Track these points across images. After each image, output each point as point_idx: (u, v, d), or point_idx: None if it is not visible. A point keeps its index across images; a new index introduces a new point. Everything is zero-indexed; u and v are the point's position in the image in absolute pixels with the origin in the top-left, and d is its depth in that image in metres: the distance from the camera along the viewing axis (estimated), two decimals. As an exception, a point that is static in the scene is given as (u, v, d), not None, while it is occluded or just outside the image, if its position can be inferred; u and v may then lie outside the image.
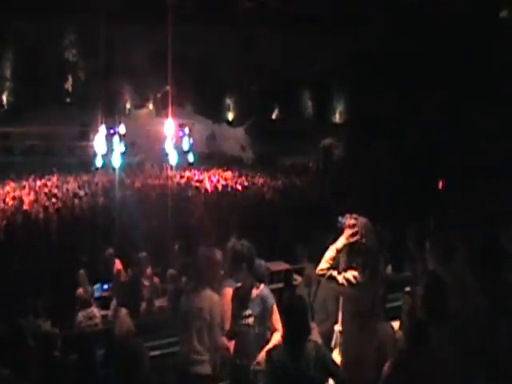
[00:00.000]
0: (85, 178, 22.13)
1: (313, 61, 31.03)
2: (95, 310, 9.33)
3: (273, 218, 14.79)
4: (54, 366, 5.71)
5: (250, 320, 5.59)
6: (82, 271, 10.48)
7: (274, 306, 5.59)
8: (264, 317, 5.56)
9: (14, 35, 29.67)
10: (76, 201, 17.08)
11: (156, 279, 10.59)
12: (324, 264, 5.48)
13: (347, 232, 5.50)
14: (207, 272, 5.79)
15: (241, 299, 5.62)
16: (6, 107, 31.02)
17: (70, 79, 33.42)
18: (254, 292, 5.62)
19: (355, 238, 5.49)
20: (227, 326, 5.68)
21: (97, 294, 10.65)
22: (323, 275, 5.49)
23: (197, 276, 5.82)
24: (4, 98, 31.34)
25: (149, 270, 10.62)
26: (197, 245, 9.37)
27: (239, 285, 5.70)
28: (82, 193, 18.63)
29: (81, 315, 9.22)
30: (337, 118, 34.95)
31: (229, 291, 5.83)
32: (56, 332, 6.71)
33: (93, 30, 28.34)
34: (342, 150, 29.41)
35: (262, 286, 5.66)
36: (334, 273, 5.46)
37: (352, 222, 5.50)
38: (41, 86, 30.25)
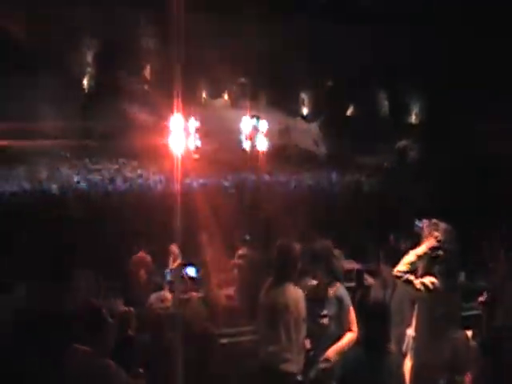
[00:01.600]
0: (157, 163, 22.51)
1: (390, 60, 30.58)
2: (167, 293, 9.49)
3: (344, 215, 14.70)
4: (128, 344, 5.82)
5: (325, 320, 5.55)
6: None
7: (350, 307, 5.52)
8: (340, 317, 5.51)
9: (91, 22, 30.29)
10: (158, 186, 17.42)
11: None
12: (402, 267, 5.39)
13: (430, 241, 5.40)
14: (288, 267, 5.56)
15: (317, 298, 5.57)
16: (86, 91, 31.78)
17: (148, 67, 33.94)
18: (330, 291, 5.58)
19: (437, 245, 5.40)
20: None
21: (168, 278, 10.83)
22: (400, 278, 5.40)
23: (278, 271, 5.58)
24: (85, 81, 32.09)
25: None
26: (272, 239, 9.41)
27: (315, 283, 5.66)
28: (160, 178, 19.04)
29: (153, 297, 9.40)
30: (413, 118, 34.38)
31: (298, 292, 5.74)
32: (131, 311, 6.83)
33: (170, 19, 28.73)
34: (417, 152, 28.96)
35: (338, 285, 5.60)
36: (412, 277, 5.36)
37: (435, 233, 5.41)
38: (120, 72, 30.82)
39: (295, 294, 5.44)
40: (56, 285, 8.26)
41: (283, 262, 5.55)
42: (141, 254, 10.60)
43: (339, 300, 5.52)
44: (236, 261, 10.47)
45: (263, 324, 5.56)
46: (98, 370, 4.29)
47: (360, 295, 7.24)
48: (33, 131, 26.67)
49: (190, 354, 6.09)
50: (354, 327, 5.46)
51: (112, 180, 18.30)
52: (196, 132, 23.93)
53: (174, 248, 11.14)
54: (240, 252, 10.36)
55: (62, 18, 27.76)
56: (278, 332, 5.34)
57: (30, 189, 17.35)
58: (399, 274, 5.37)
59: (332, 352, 5.39)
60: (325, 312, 5.57)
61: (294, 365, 5.35)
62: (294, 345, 5.37)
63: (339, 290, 5.57)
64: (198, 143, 22.40)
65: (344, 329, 5.47)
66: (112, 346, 4.52)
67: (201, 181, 18.36)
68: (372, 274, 9.70)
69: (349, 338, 5.40)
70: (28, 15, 27.44)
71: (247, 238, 11.91)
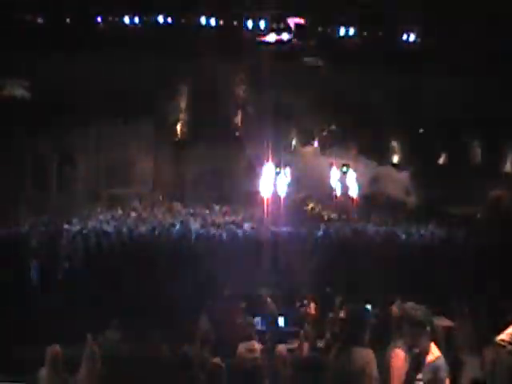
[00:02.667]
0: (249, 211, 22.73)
1: (484, 107, 29.95)
2: (256, 344, 9.42)
3: (433, 268, 14.33)
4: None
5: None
6: (243, 304, 10.71)
7: (447, 380, 5.34)
8: None
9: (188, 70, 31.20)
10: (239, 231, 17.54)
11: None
12: (506, 336, 5.18)
13: None
14: (357, 333, 5.49)
15: (415, 364, 5.42)
16: (179, 137, 32.59)
17: (240, 114, 34.52)
18: (428, 358, 5.42)
19: None
20: None
21: (259, 327, 10.82)
22: (503, 346, 5.18)
23: (349, 334, 5.53)
24: (178, 128, 32.93)
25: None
26: (350, 299, 9.29)
27: (417, 350, 5.50)
28: (245, 225, 19.14)
29: (241, 347, 9.36)
30: (508, 167, 33.31)
31: (399, 353, 5.59)
32: (223, 366, 6.84)
33: (261, 68, 29.43)
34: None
35: (437, 353, 5.42)
36: None
37: None
38: (212, 119, 31.48)
39: (367, 356, 5.33)
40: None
41: (355, 326, 5.46)
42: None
43: (435, 369, 5.35)
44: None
45: None
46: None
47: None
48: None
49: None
50: None
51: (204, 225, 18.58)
52: (285, 179, 24.07)
53: (267, 297, 11.19)
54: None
55: (156, 67, 28.73)
56: None
57: (124, 231, 17.78)
58: (502, 343, 5.15)
59: None
60: (419, 376, 5.43)
61: None
62: None
63: (439, 359, 5.40)
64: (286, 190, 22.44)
65: None
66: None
67: (289, 229, 18.34)
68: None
69: None
70: (122, 64, 28.54)
71: (328, 290, 11.84)
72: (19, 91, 29.39)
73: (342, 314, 6.11)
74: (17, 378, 7.73)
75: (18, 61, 27.58)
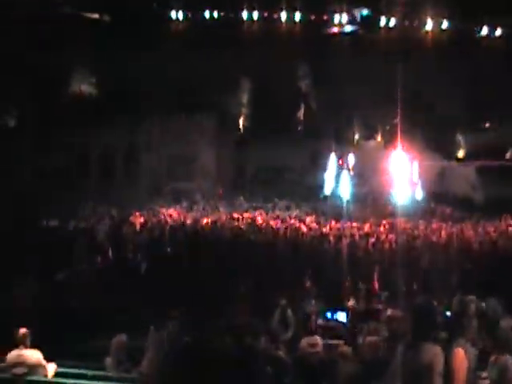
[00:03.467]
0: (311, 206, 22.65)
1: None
2: (318, 339, 9.44)
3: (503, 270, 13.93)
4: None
5: (485, 383, 5.27)
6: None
7: None
8: None
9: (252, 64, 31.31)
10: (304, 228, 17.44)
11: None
12: None
13: None
14: (424, 327, 5.35)
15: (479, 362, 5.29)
16: (241, 132, 32.75)
17: (302, 108, 34.45)
18: (494, 358, 5.29)
19: None
20: None
21: (319, 322, 10.81)
22: None
23: (416, 330, 5.37)
24: (240, 122, 33.09)
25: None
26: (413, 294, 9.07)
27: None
28: (308, 220, 19.04)
29: (304, 342, 9.37)
30: None
31: (460, 352, 5.46)
32: (288, 360, 6.84)
33: (326, 62, 29.33)
34: None
35: (505, 353, 5.26)
36: None
37: None
38: (274, 113, 31.49)
39: (434, 353, 5.21)
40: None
41: (421, 321, 5.35)
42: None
43: (502, 369, 5.20)
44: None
45: None
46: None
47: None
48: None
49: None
50: None
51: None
52: (349, 174, 23.90)
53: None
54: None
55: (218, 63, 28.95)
56: None
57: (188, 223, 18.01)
58: None
59: None
60: (484, 374, 5.32)
61: None
62: None
63: (504, 358, 5.24)
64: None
65: None
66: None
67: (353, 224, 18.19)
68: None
69: None
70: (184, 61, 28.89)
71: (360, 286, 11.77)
72: (86, 87, 30.11)
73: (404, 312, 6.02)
74: (85, 365, 7.94)
75: (86, 58, 28.29)
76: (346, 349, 8.18)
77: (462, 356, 5.36)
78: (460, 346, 5.48)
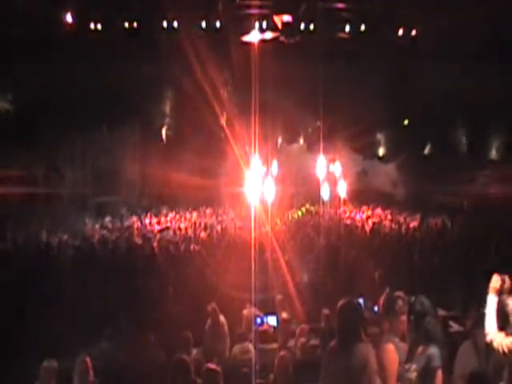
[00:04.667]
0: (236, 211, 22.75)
1: (467, 94, 30.05)
2: (250, 345, 9.43)
3: (426, 261, 14.35)
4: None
5: (414, 375, 5.43)
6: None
7: (439, 370, 5.36)
8: (426, 377, 5.37)
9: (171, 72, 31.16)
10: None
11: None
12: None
13: None
14: (352, 327, 5.46)
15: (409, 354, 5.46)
16: (165, 142, 32.57)
17: (225, 114, 34.51)
18: (421, 349, 5.46)
19: None
20: (391, 383, 5.47)
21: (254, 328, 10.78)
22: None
23: (344, 331, 5.48)
24: (164, 132, 32.92)
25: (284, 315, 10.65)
26: (346, 292, 9.23)
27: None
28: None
29: (236, 349, 9.38)
30: (493, 154, 33.47)
31: (390, 348, 5.60)
32: (219, 370, 6.84)
33: (246, 68, 29.44)
34: (499, 191, 28.12)
35: (431, 345, 5.45)
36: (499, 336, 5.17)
37: None
38: (197, 120, 31.43)
39: (366, 351, 5.32)
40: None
41: (348, 321, 5.44)
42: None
43: (428, 359, 5.38)
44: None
45: None
46: None
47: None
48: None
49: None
50: None
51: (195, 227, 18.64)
52: (272, 178, 24.03)
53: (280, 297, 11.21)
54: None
55: (140, 72, 28.69)
56: None
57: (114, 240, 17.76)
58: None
59: None
60: (413, 366, 5.47)
61: None
62: None
63: (430, 349, 5.43)
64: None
65: None
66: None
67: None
68: (456, 321, 9.43)
69: None
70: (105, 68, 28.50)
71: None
72: (2, 104, 29.28)
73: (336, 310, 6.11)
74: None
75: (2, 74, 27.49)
76: (284, 352, 8.23)
77: (392, 351, 5.49)
78: (389, 341, 5.61)
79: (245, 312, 10.57)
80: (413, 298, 5.83)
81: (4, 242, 17.42)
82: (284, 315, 10.53)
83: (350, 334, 5.34)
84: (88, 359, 7.79)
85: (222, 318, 10.11)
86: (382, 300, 6.12)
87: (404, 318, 5.86)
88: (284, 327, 10.40)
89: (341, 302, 5.56)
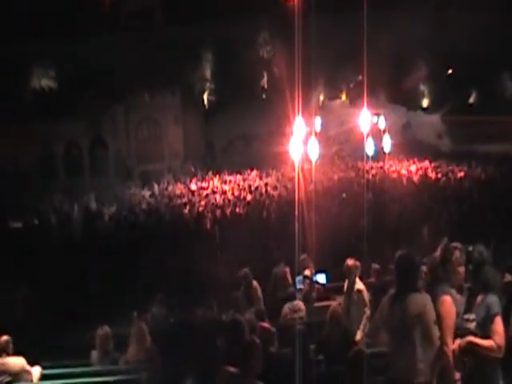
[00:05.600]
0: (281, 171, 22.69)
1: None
2: (300, 303, 9.38)
3: (473, 214, 14.09)
4: (272, 362, 5.83)
5: (472, 325, 5.39)
6: (305, 255, 10.66)
7: (498, 317, 5.29)
8: (486, 324, 5.32)
9: (211, 37, 31.01)
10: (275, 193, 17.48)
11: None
12: None
13: None
14: (411, 276, 5.40)
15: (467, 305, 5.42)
16: (206, 106, 32.60)
17: (265, 76, 34.31)
18: (480, 298, 5.40)
19: None
20: (447, 335, 5.43)
21: (298, 286, 10.78)
22: None
23: (400, 281, 5.41)
24: (205, 97, 32.90)
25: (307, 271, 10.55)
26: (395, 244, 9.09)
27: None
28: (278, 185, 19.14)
29: (286, 308, 9.36)
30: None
31: (447, 299, 5.54)
32: (273, 329, 6.86)
33: (284, 26, 29.06)
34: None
35: (490, 294, 5.40)
36: None
37: None
38: (238, 84, 31.35)
39: (424, 302, 5.30)
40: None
41: (405, 272, 5.42)
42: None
43: (488, 307, 5.32)
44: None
45: (393, 337, 5.40)
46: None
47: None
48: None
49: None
50: (498, 338, 5.24)
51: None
52: (316, 136, 23.87)
53: (304, 256, 11.14)
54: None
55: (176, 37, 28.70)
56: (412, 343, 5.19)
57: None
58: None
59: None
60: (472, 316, 5.42)
61: (426, 375, 5.22)
62: (428, 353, 5.28)
63: (490, 297, 5.37)
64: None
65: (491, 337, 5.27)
66: (260, 367, 4.57)
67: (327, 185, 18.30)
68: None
69: (487, 343, 5.24)
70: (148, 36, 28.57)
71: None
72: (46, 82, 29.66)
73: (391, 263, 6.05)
74: (70, 363, 7.86)
75: (41, 51, 27.82)
76: (338, 307, 8.19)
77: (449, 303, 5.43)
78: (447, 292, 5.57)
79: (286, 270, 10.60)
80: (471, 248, 5.73)
81: (53, 214, 17.73)
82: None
83: (407, 285, 5.33)
84: (144, 324, 7.91)
85: (254, 282, 10.01)
86: (438, 251, 6.02)
87: (461, 269, 5.78)
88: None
89: (398, 254, 5.53)
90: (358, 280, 8.89)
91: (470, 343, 5.33)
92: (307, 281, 10.25)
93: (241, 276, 9.81)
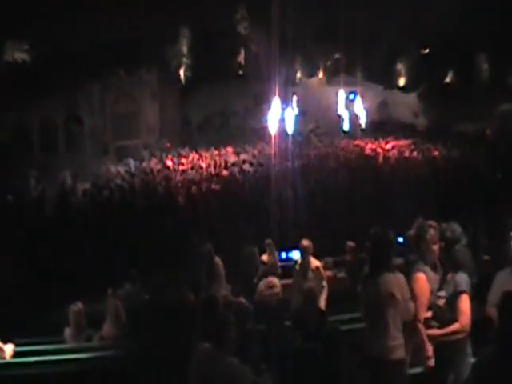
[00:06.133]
0: (257, 148, 22.68)
1: (489, 20, 29.22)
2: (275, 280, 9.44)
3: (446, 192, 14.24)
4: (247, 338, 5.86)
5: (442, 301, 5.46)
6: (269, 240, 10.68)
7: (463, 295, 5.36)
8: (452, 302, 5.40)
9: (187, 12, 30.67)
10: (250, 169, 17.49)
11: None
12: None
13: None
14: (384, 255, 5.44)
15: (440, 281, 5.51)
16: (183, 83, 32.32)
17: (243, 52, 34.06)
18: (450, 276, 5.47)
19: None
20: (420, 312, 5.49)
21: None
22: None
23: (374, 260, 5.48)
24: (181, 73, 32.60)
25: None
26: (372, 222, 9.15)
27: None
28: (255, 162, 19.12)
29: (262, 284, 9.40)
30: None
31: (421, 276, 5.59)
32: (249, 305, 6.89)
33: (262, 1, 28.83)
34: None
35: (460, 272, 5.47)
36: None
37: None
38: (215, 60, 31.09)
39: (397, 281, 5.34)
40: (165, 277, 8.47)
41: (378, 251, 5.43)
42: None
43: (455, 285, 5.41)
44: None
45: (368, 314, 5.48)
46: (225, 368, 4.36)
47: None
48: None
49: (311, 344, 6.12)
50: (462, 318, 5.33)
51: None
52: (292, 113, 23.86)
53: (269, 241, 11.17)
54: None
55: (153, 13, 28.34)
56: (385, 321, 5.27)
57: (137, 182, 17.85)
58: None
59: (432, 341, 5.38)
60: (443, 293, 5.49)
61: (400, 351, 5.29)
62: (402, 330, 5.34)
63: (459, 275, 5.43)
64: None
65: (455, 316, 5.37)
66: (234, 342, 4.57)
67: (302, 162, 18.30)
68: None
69: (453, 328, 5.34)
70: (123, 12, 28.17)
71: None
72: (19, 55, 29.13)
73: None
74: (43, 340, 7.85)
75: (17, 24, 27.28)
76: (312, 286, 8.26)
77: (423, 280, 5.50)
78: (421, 270, 5.61)
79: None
80: (444, 226, 5.79)
81: (29, 191, 17.59)
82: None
83: (380, 263, 5.36)
84: (118, 301, 7.91)
85: (217, 258, 9.90)
86: (413, 229, 6.06)
87: (436, 247, 5.83)
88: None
89: (371, 231, 5.54)
90: (312, 258, 9.05)
91: (433, 337, 5.42)
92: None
93: (204, 252, 9.74)
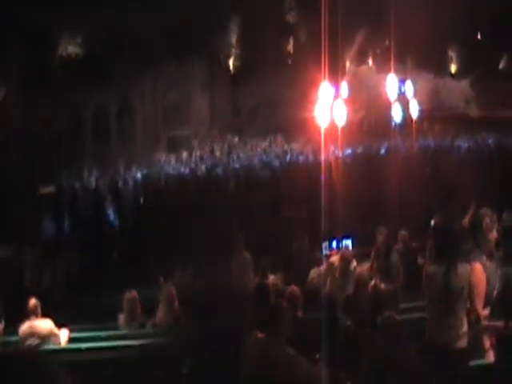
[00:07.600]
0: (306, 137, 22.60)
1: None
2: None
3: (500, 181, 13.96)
4: (299, 325, 5.88)
5: (495, 293, 5.41)
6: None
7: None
8: (505, 294, 5.33)
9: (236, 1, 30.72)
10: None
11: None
12: None
13: None
14: (450, 245, 5.40)
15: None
16: (232, 72, 32.40)
17: (291, 41, 33.94)
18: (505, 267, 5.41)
19: None
20: (478, 303, 5.42)
21: (325, 252, 10.80)
22: None
23: (440, 250, 5.42)
24: (231, 62, 32.69)
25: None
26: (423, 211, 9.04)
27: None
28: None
29: (313, 273, 9.41)
30: None
31: (478, 267, 5.51)
32: (300, 294, 6.91)
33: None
34: None
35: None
36: None
37: None
38: (264, 49, 31.05)
39: (465, 270, 5.26)
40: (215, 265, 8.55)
41: (446, 241, 5.33)
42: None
43: (508, 278, 5.34)
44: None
45: (438, 302, 5.40)
46: (279, 357, 4.36)
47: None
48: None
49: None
50: None
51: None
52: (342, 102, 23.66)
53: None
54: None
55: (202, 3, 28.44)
56: (457, 310, 5.24)
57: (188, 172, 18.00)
58: None
59: None
60: (498, 285, 5.43)
61: (464, 340, 5.23)
62: (464, 321, 5.27)
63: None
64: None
65: None
66: (288, 331, 4.58)
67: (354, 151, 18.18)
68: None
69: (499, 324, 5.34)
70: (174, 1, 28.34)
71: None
72: (72, 47, 29.60)
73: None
74: (97, 326, 7.98)
75: (68, 18, 27.71)
76: (364, 272, 8.22)
77: (480, 271, 5.42)
78: (477, 260, 5.53)
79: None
80: (504, 215, 5.71)
81: (81, 181, 17.89)
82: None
83: (452, 253, 5.28)
84: (173, 288, 8.00)
85: (246, 253, 9.72)
86: (468, 218, 5.97)
87: (492, 235, 5.73)
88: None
89: (435, 221, 5.47)
90: None
91: (485, 329, 5.36)
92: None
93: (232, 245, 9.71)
